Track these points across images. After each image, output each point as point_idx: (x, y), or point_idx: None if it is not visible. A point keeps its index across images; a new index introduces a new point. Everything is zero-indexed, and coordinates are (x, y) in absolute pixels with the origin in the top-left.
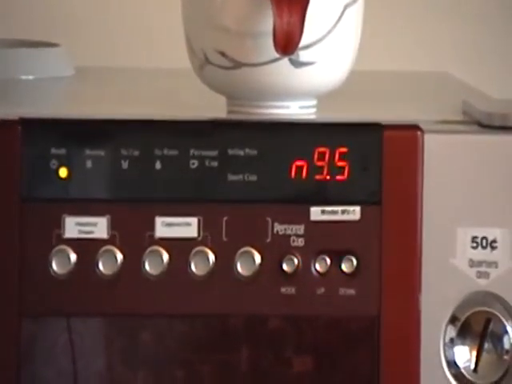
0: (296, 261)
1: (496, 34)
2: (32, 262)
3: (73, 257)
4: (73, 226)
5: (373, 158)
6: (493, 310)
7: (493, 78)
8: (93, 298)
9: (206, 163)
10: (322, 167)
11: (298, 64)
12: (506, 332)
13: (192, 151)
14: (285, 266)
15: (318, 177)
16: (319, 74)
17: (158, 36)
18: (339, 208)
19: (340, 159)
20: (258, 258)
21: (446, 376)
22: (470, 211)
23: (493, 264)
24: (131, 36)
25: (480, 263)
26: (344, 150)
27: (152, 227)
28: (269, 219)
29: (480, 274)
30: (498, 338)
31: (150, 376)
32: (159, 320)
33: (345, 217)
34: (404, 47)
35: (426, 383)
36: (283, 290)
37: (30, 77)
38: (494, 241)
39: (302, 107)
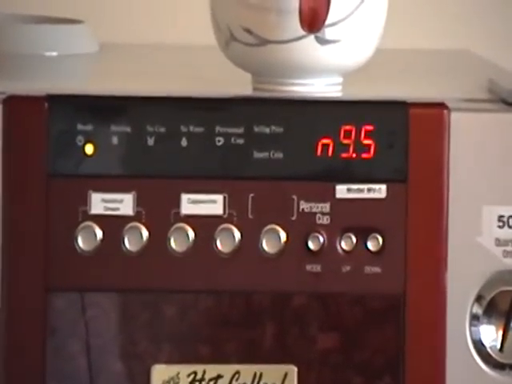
0: (321, 239)
1: None
2: (58, 238)
3: (98, 233)
4: (98, 203)
5: (399, 135)
6: None
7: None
8: (118, 274)
9: (232, 140)
10: (347, 145)
11: (323, 41)
12: None
13: (218, 128)
14: (310, 244)
15: (343, 155)
16: (345, 52)
17: (183, 12)
18: (365, 186)
19: (366, 137)
20: (283, 236)
21: (471, 354)
22: (496, 190)
23: None
24: (155, 12)
25: (506, 242)
26: (370, 127)
27: (178, 204)
28: (294, 197)
29: (506, 254)
30: None
31: (174, 351)
32: (184, 296)
33: (371, 195)
34: (426, 25)
35: (451, 362)
36: (308, 267)
37: (54, 53)
38: None
39: (327, 85)
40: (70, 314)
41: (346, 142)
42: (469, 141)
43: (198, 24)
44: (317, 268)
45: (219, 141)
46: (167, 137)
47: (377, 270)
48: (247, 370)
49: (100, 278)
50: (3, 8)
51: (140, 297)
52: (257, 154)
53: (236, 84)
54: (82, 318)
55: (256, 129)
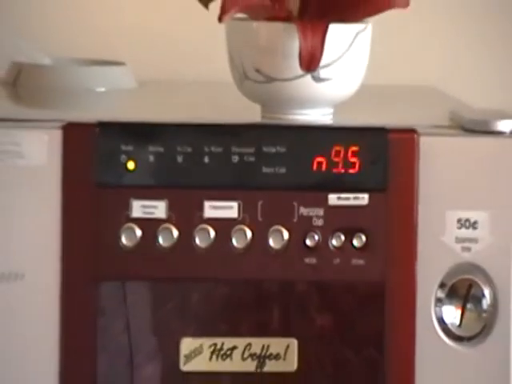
0: (317, 237)
1: (473, 52)
2: (105, 237)
3: (138, 233)
4: (138, 208)
5: (379, 155)
6: (474, 277)
7: (472, 90)
8: (153, 266)
9: (245, 158)
10: (337, 162)
11: (318, 79)
12: (484, 295)
13: (233, 148)
14: (308, 242)
15: (334, 170)
16: (335, 88)
17: (206, 54)
18: (351, 195)
19: (352, 156)
20: (286, 235)
21: (435, 330)
22: (456, 198)
23: (474, 240)
24: (183, 54)
25: (464, 240)
26: (355, 148)
27: (201, 209)
28: (295, 203)
29: (464, 249)
30: (477, 300)
31: (198, 327)
32: (206, 283)
33: (356, 202)
34: (400, 65)
35: (420, 336)
36: (306, 260)
37: (102, 89)
38: (475, 222)
39: (321, 114)
40: (115, 299)
41: (336, 159)
42: (434, 159)
43: (218, 64)
44: (313, 261)
45: (234, 158)
46: (193, 155)
47: (361, 262)
48: (257, 342)
49: (139, 269)
50: (62, 52)
51: (171, 284)
52: (265, 169)
53: (248, 113)
54: (124, 302)
55: (264, 149)
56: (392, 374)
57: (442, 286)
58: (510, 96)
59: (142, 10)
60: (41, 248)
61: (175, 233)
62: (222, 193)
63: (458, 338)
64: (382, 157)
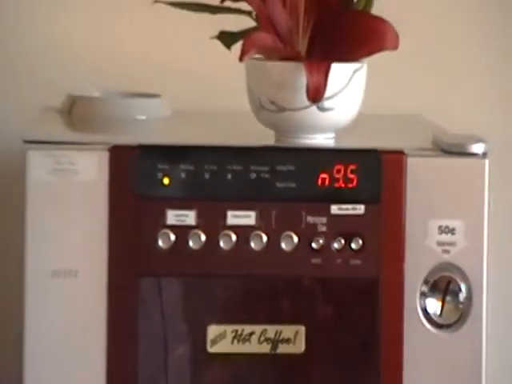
0: (321, 241)
1: (453, 86)
2: (145, 240)
3: (172, 237)
4: (172, 217)
5: (373, 172)
6: (452, 274)
7: (453, 118)
8: (184, 265)
9: (261, 175)
10: (338, 178)
11: (322, 109)
12: (461, 290)
13: (251, 167)
14: (313, 245)
15: (336, 185)
16: (337, 117)
17: (229, 88)
18: (350, 206)
19: (351, 173)
20: (295, 239)
21: (420, 319)
22: (437, 209)
23: (452, 244)
24: (209, 88)
25: (443, 243)
26: (353, 167)
27: (225, 217)
28: (303, 213)
29: (444, 251)
30: (455, 294)
31: (222, 316)
32: (229, 280)
33: (354, 212)
34: (390, 97)
35: (407, 324)
36: (312, 260)
37: (143, 117)
38: (453, 229)
39: (324, 138)
40: (152, 293)
41: (337, 176)
42: (419, 177)
43: (239, 96)
44: (318, 261)
45: (252, 175)
46: (218, 173)
47: (358, 262)
48: (271, 329)
49: (172, 268)
50: (109, 86)
51: (199, 280)
52: (278, 184)
53: (264, 138)
54: (159, 295)
55: (277, 167)
56: (384, 356)
57: (425, 282)
58: (486, 122)
59: (175, 51)
60: (91, 249)
61: (203, 237)
62: (241, 204)
63: (438, 326)
64: (375, 174)
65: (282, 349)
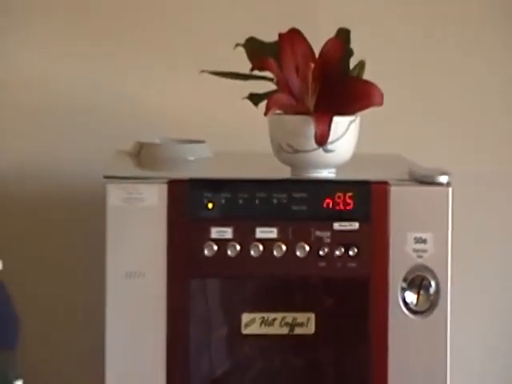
0: (326, 249)
1: (426, 130)
2: (195, 250)
3: (215, 247)
4: (215, 233)
5: (365, 198)
6: (424, 274)
7: (423, 155)
8: (224, 269)
9: (281, 201)
10: (339, 202)
11: (327, 151)
12: (431, 285)
13: (274, 194)
14: (320, 252)
15: (337, 207)
16: (337, 157)
17: (256, 134)
18: (348, 223)
19: (348, 199)
20: (307, 248)
21: (401, 307)
22: (413, 225)
23: (424, 251)
24: (240, 135)
25: (418, 250)
26: (350, 194)
27: (254, 233)
28: (312, 229)
29: (418, 256)
30: (427, 288)
31: (253, 306)
32: (257, 279)
33: (351, 228)
34: (377, 141)
35: (391, 311)
36: (319, 264)
37: (192, 158)
38: (425, 239)
39: (328, 172)
40: (200, 290)
41: (338, 201)
42: (399, 201)
43: (263, 141)
44: (323, 264)
45: (274, 201)
46: (248, 199)
47: (354, 265)
48: (289, 316)
49: (215, 271)
50: (166, 134)
51: (235, 280)
52: (293, 208)
53: (282, 172)
54: (205, 291)
55: (293, 195)
56: (373, 335)
57: (404, 279)
58: (450, 158)
59: (217, 107)
60: (155, 256)
61: (238, 247)
62: (266, 222)
63: (414, 312)
64: (367, 199)
65: (297, 331)
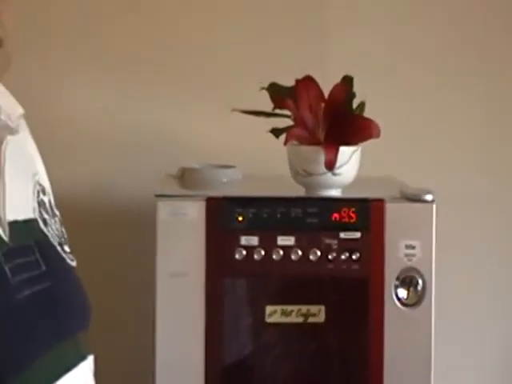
0: (334, 254)
1: (413, 157)
2: (227, 254)
3: (244, 252)
4: (244, 240)
5: (366, 213)
6: (413, 274)
7: (413, 177)
8: (251, 269)
9: (298, 215)
10: (344, 216)
11: (334, 175)
12: (419, 283)
13: (292, 209)
14: (329, 256)
15: (343, 220)
16: (343, 179)
17: (277, 161)
18: (352, 233)
19: (352, 213)
20: (318, 253)
21: (395, 301)
22: (404, 234)
23: (413, 255)
24: (264, 161)
25: (408, 255)
26: (354, 209)
27: (276, 240)
28: (323, 237)
29: (408, 259)
30: (415, 286)
31: (274, 301)
32: (278, 278)
33: (354, 236)
34: (374, 166)
35: (387, 304)
36: (328, 266)
37: (225, 180)
38: (414, 246)
39: (336, 192)
40: (232, 287)
41: (343, 214)
42: (393, 215)
43: (283, 166)
44: (332, 266)
45: (292, 214)
46: (271, 213)
47: (356, 267)
48: (303, 308)
49: (244, 272)
50: (204, 160)
51: (260, 279)
52: (307, 220)
53: (298, 191)
54: (235, 288)
55: (307, 210)
56: (371, 324)
57: (397, 278)
58: (435, 179)
59: (244, 139)
60: (195, 259)
61: (262, 252)
62: (285, 232)
63: (405, 305)
64: (367, 213)
65: (311, 320)
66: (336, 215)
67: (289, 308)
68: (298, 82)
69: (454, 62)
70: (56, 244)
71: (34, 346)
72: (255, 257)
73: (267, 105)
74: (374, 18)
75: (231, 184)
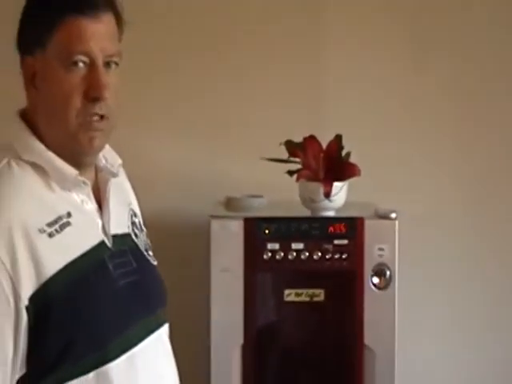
0: (330, 255)
1: (383, 188)
2: (257, 256)
3: (269, 254)
4: (269, 246)
5: (351, 226)
6: (383, 267)
7: (383, 202)
8: (275, 266)
9: (306, 228)
10: (337, 229)
11: (330, 201)
12: (387, 273)
13: (301, 225)
14: (327, 256)
15: (336, 232)
16: (336, 204)
17: (290, 192)
18: (342, 240)
19: (342, 227)
20: (320, 254)
21: (370, 286)
22: (377, 239)
23: (383, 255)
24: (281, 193)
25: (380, 254)
26: (343, 224)
27: (290, 246)
28: (323, 244)
29: (380, 257)
30: (384, 275)
31: (290, 286)
32: (293, 272)
33: (343, 243)
34: (357, 194)
35: (366, 287)
36: (327, 263)
37: (256, 205)
38: (384, 248)
39: (331, 213)
40: (262, 279)
41: (336, 228)
42: (370, 227)
43: (295, 196)
44: (329, 263)
45: (302, 228)
46: (288, 227)
47: (345, 263)
48: (310, 291)
49: (269, 268)
50: (241, 192)
51: (281, 272)
52: (312, 232)
53: (305, 213)
54: (264, 280)
55: (312, 225)
56: (357, 302)
57: (373, 270)
58: (398, 202)
59: (268, 177)
60: (236, 260)
61: (282, 254)
62: (297, 240)
63: (378, 288)
64: (352, 227)
65: (315, 299)
66: (331, 228)
67: (300, 291)
68: (305, 139)
69: (429, 106)
70: (143, 250)
71: (129, 316)
72: (277, 257)
73: (284, 154)
74: (361, 92)
75: (260, 208)
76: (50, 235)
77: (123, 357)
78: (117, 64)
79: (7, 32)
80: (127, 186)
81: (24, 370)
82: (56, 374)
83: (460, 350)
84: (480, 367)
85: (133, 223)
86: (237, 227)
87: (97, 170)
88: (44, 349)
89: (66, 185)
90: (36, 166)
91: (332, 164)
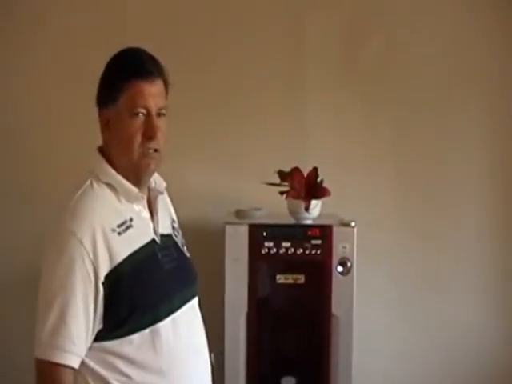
0: (308, 251)
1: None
2: (258, 251)
3: (266, 250)
4: (266, 244)
5: (324, 231)
6: (345, 260)
7: (346, 213)
8: (270, 259)
9: (292, 232)
10: (314, 233)
11: (309, 213)
12: (348, 263)
13: (289, 230)
14: (307, 252)
15: (313, 234)
16: (313, 215)
17: (282, 207)
18: (317, 240)
19: (318, 231)
20: (301, 250)
21: (337, 273)
22: (341, 241)
23: (345, 251)
24: (275, 206)
25: (344, 250)
26: (318, 229)
27: (281, 244)
28: (304, 243)
29: (343, 252)
30: (346, 264)
31: (281, 272)
32: (286, 262)
33: (319, 242)
34: (332, 209)
35: (334, 274)
36: (307, 256)
37: (258, 215)
38: (346, 246)
39: (310, 221)
40: (261, 266)
41: (313, 232)
42: (338, 232)
43: (283, 208)
44: (308, 256)
45: (289, 232)
46: (278, 231)
47: (320, 257)
48: (294, 276)
49: (266, 259)
50: (246, 205)
51: (274, 262)
52: (296, 235)
53: (292, 221)
54: (263, 267)
55: (296, 229)
56: (326, 284)
57: (338, 261)
58: (356, 214)
59: (266, 194)
60: (243, 253)
61: (275, 250)
62: (286, 240)
63: (342, 274)
64: (325, 232)
65: (297, 281)
66: (310, 232)
67: (287, 276)
68: (292, 169)
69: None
70: (180, 246)
71: (172, 290)
72: (271, 252)
73: (277, 179)
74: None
75: (260, 218)
76: (119, 233)
77: (169, 318)
78: (164, 114)
79: (91, 97)
80: (168, 200)
81: (101, 326)
82: (123, 329)
83: (402, 315)
84: (416, 325)
85: (173, 227)
86: (244, 231)
87: (149, 189)
88: (115, 311)
89: (130, 198)
90: (110, 185)
91: (311, 187)
